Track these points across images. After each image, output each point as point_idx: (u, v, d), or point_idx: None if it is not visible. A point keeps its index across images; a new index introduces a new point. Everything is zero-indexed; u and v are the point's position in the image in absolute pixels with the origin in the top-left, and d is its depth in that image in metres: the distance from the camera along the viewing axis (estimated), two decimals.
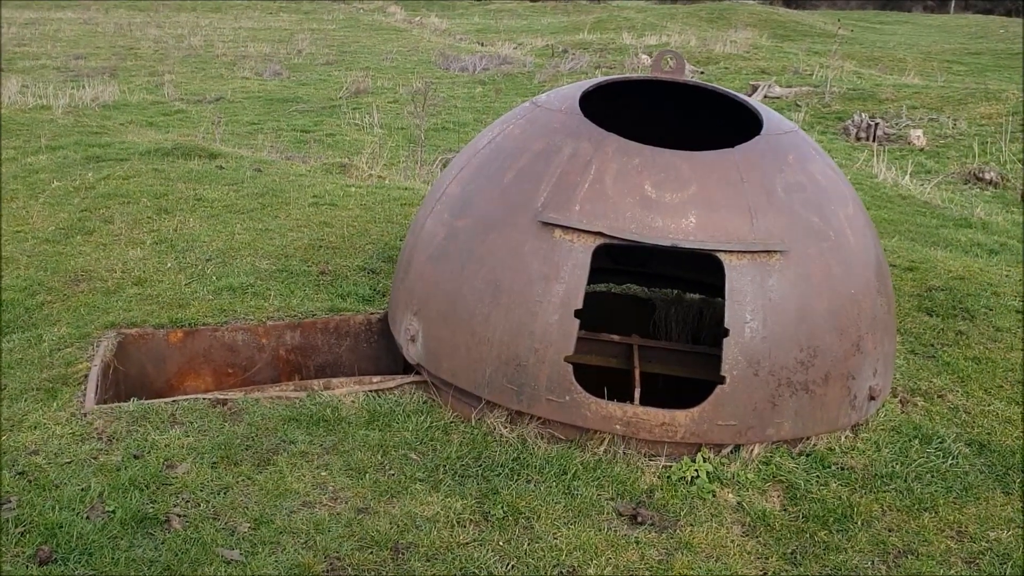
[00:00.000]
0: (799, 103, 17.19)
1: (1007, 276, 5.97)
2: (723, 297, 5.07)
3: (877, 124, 15.40)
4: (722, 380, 3.39)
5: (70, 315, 4.48)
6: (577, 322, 3.43)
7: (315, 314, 4.50)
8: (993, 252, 9.58)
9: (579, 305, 3.42)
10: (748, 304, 3.38)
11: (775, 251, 3.43)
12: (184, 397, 3.71)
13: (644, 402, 3.79)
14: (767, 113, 3.97)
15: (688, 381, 4.22)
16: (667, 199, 3.45)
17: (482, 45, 26.11)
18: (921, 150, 14.72)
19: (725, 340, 3.38)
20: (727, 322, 3.37)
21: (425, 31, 31.10)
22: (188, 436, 3.44)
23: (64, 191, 7.06)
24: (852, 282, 3.58)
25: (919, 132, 15.09)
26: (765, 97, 17.68)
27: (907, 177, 12.86)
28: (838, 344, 3.51)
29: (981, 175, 13.12)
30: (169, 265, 5.16)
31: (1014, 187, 12.73)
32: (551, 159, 3.64)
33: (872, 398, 3.71)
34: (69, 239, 5.70)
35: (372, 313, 4.55)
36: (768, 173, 3.58)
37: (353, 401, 3.76)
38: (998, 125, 15.11)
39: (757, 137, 3.73)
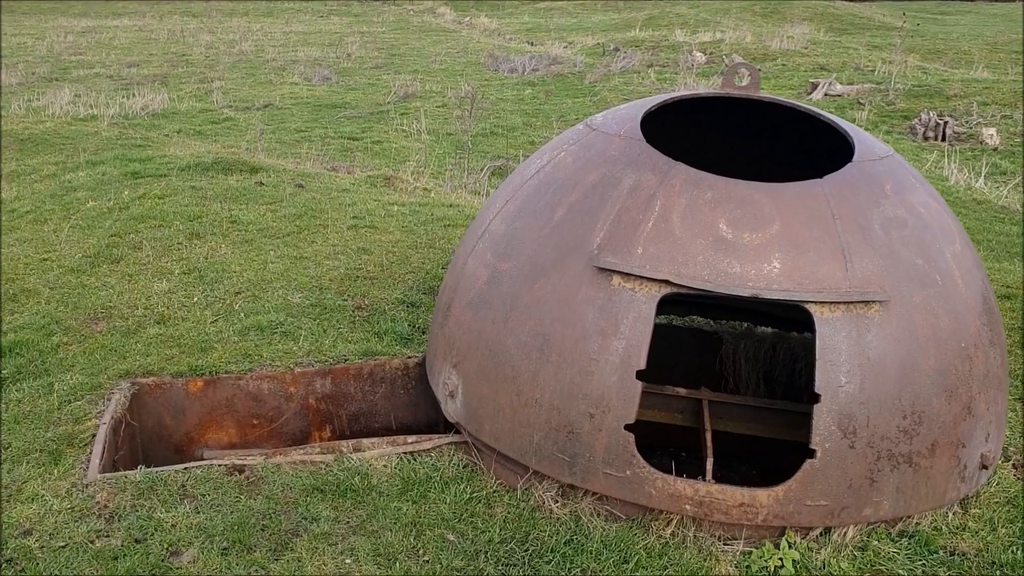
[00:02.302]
0: (861, 101, 16.47)
1: None
2: (798, 331, 4.61)
3: (946, 122, 14.63)
4: (811, 453, 2.90)
5: (85, 360, 4.13)
6: (640, 385, 2.96)
7: (347, 358, 4.09)
8: None
9: (642, 365, 2.95)
10: (843, 364, 2.88)
11: (874, 301, 2.92)
12: (198, 464, 3.32)
13: (717, 457, 3.33)
14: (858, 135, 3.45)
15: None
16: (746, 240, 2.96)
17: (532, 45, 25.66)
18: (995, 149, 13.93)
19: (816, 407, 2.88)
20: (818, 385, 2.88)
21: (474, 32, 30.75)
22: (199, 513, 3.04)
23: (98, 212, 6.78)
24: (962, 334, 3.06)
25: (992, 130, 14.28)
26: (826, 95, 16.99)
27: (981, 179, 12.15)
28: (947, 408, 2.99)
29: None
30: (195, 300, 4.79)
31: None
32: (608, 193, 3.17)
33: (984, 467, 3.19)
34: (95, 268, 5.38)
35: (409, 357, 4.12)
36: (863, 207, 3.08)
37: (385, 466, 3.34)
38: None
39: (849, 164, 3.22)
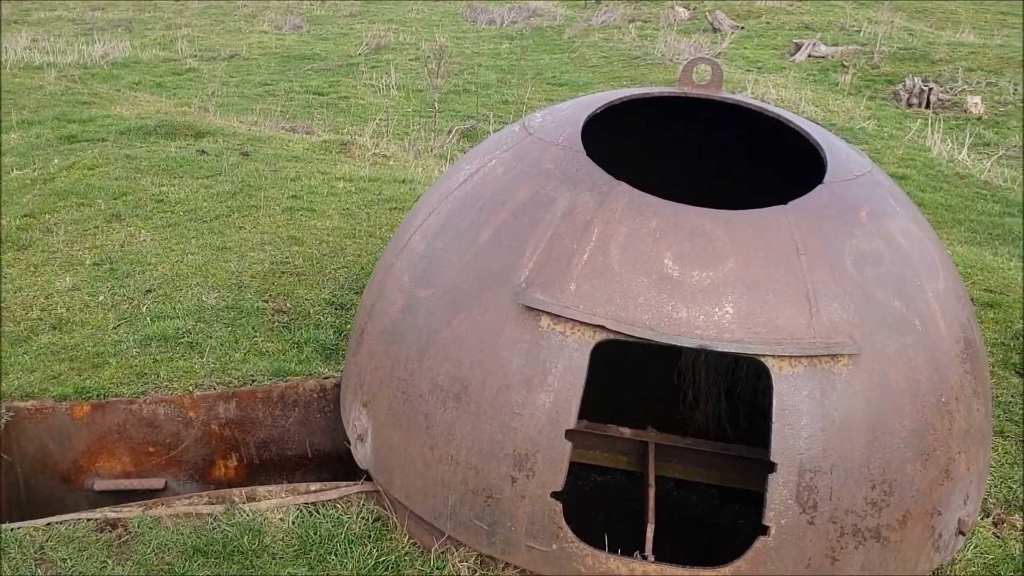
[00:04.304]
0: (846, 63, 16.00)
1: None
2: None
3: (931, 89, 14.18)
4: (765, 530, 2.50)
5: None
6: (569, 446, 2.54)
7: (256, 379, 3.64)
8: None
9: (571, 423, 2.53)
10: (803, 428, 2.47)
11: (842, 354, 2.51)
12: (63, 518, 2.89)
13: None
14: (831, 146, 3.00)
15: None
16: (695, 279, 2.53)
17: None
18: (979, 119, 13.53)
19: (771, 477, 2.48)
20: (773, 453, 2.47)
21: None
22: None
23: (19, 184, 6.26)
24: (942, 386, 2.66)
25: (977, 99, 13.85)
26: (810, 56, 16.49)
27: (964, 151, 11.76)
28: (922, 473, 2.60)
29: None
30: (100, 299, 4.32)
31: None
32: (540, 215, 2.72)
33: (961, 532, 2.81)
34: None
35: (326, 378, 3.68)
36: (834, 240, 2.64)
37: (282, 519, 2.92)
38: None
39: (819, 186, 2.78)
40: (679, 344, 2.47)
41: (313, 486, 3.07)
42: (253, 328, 4.05)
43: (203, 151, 7.45)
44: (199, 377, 3.63)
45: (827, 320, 2.52)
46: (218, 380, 3.62)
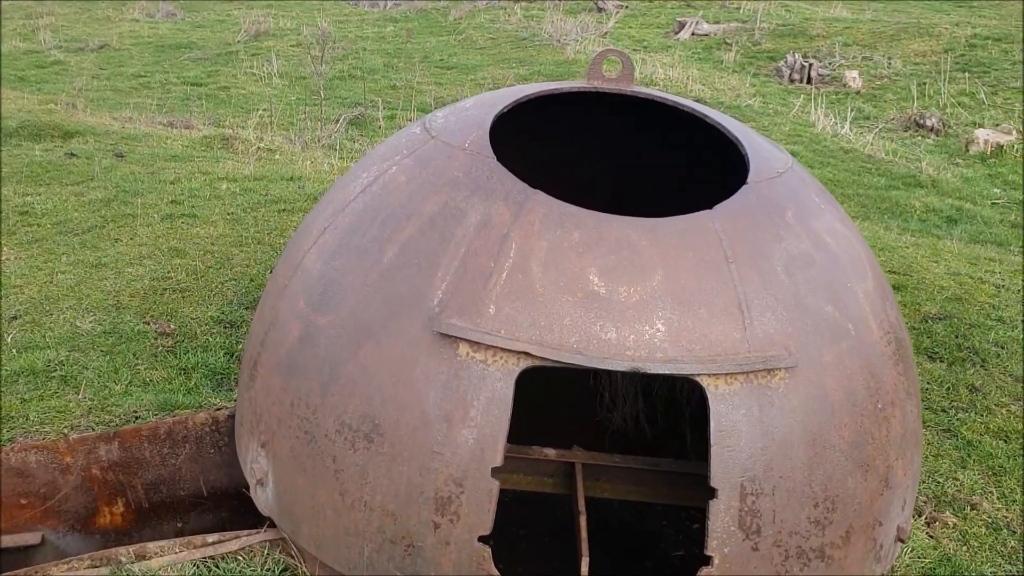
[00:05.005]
0: (728, 41, 16.21)
1: (1004, 287, 5.05)
2: None
3: (811, 64, 14.52)
4: (707, 560, 2.35)
5: None
6: (496, 484, 2.33)
7: (139, 415, 3.30)
8: (952, 220, 8.84)
9: (498, 461, 2.32)
10: (743, 449, 2.32)
11: (778, 368, 2.36)
12: None
13: None
14: (751, 142, 2.85)
15: None
16: (622, 295, 2.34)
17: None
18: (858, 93, 13.93)
19: (712, 504, 2.32)
20: (713, 478, 2.31)
21: None
22: None
23: None
24: (879, 392, 2.55)
25: (854, 73, 14.26)
26: (693, 35, 16.64)
27: (847, 125, 12.04)
28: (863, 486, 2.49)
29: (922, 122, 12.38)
30: None
31: (955, 134, 12.06)
32: (451, 229, 2.48)
33: (900, 540, 2.72)
34: None
35: (219, 409, 3.36)
36: (763, 244, 2.49)
37: None
38: (934, 64, 14.29)
39: (744, 187, 2.62)
40: (610, 368, 2.29)
41: (210, 537, 2.77)
42: (134, 355, 3.69)
43: (72, 154, 6.92)
44: (75, 417, 3.26)
45: (761, 332, 2.37)
46: (97, 419, 3.26)
